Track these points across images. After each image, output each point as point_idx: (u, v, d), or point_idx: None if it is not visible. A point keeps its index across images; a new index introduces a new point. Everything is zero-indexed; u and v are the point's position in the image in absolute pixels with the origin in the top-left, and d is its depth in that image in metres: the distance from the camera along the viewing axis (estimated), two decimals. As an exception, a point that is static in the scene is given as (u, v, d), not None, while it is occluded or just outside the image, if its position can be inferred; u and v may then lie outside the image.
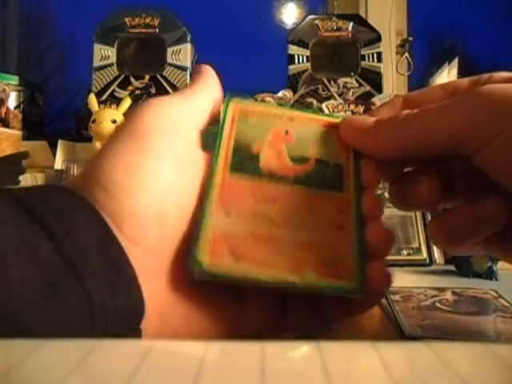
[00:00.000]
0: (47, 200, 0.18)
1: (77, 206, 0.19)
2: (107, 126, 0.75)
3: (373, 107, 0.87)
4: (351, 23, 0.97)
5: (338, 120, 0.27)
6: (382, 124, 0.24)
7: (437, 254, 0.54)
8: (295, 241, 0.23)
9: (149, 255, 0.20)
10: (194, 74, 0.27)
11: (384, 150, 0.24)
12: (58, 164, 0.78)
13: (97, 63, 0.93)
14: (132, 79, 0.92)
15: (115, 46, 0.94)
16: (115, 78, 0.93)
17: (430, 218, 0.27)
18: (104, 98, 0.90)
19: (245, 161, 0.24)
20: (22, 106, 0.97)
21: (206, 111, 0.25)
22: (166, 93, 0.92)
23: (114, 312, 0.17)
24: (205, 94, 0.26)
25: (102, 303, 0.17)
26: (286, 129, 0.26)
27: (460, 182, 0.26)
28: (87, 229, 0.18)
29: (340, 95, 0.93)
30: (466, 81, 0.26)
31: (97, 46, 0.93)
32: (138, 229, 0.20)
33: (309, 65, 0.96)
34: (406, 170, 0.27)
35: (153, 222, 0.20)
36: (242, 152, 0.25)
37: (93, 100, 0.78)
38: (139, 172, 0.20)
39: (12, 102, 0.94)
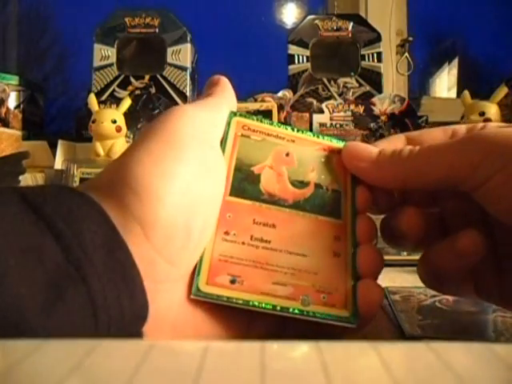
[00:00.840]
0: (55, 199, 0.18)
1: (85, 206, 0.18)
2: (107, 126, 0.75)
3: (373, 107, 0.87)
4: (351, 23, 0.97)
5: (338, 145, 0.27)
6: (385, 155, 0.25)
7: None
8: (292, 266, 0.23)
9: (171, 266, 0.20)
10: (212, 85, 0.27)
11: (385, 180, 0.25)
12: (58, 164, 0.78)
13: (97, 63, 0.93)
14: (132, 79, 0.93)
15: (115, 46, 0.94)
16: (115, 78, 0.93)
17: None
18: (104, 97, 0.90)
19: (246, 182, 0.25)
20: (22, 106, 0.97)
21: (224, 124, 0.26)
22: (166, 93, 0.92)
23: (117, 316, 0.17)
24: (225, 106, 0.26)
25: (107, 307, 0.17)
26: (287, 150, 0.26)
27: (448, 220, 0.27)
28: (95, 231, 0.18)
29: (340, 95, 0.93)
30: (463, 127, 0.27)
31: (97, 46, 0.93)
32: (164, 239, 0.19)
33: (309, 65, 0.96)
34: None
35: (179, 232, 0.20)
36: (243, 172, 0.25)
37: (93, 100, 0.78)
38: (174, 180, 0.20)
39: (12, 101, 0.94)
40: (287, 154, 0.26)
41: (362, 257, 0.24)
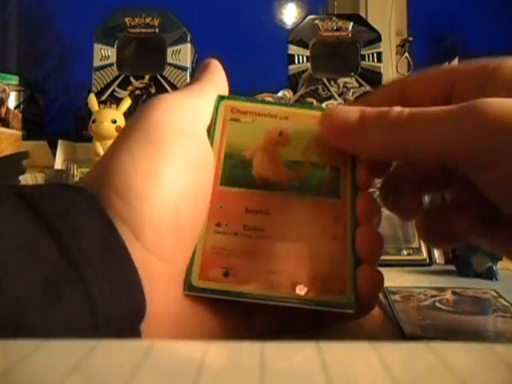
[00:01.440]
0: (52, 197, 0.18)
1: (82, 203, 0.18)
2: (107, 126, 0.75)
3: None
4: (351, 23, 0.97)
5: None
6: (367, 122, 0.22)
7: (437, 253, 0.54)
8: (288, 254, 0.22)
9: (165, 264, 0.20)
10: (202, 69, 0.26)
11: (365, 149, 0.23)
12: (58, 164, 0.78)
13: (97, 63, 0.93)
14: (132, 79, 0.92)
15: (115, 46, 0.94)
16: (115, 78, 0.93)
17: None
18: (104, 97, 0.90)
19: (237, 168, 0.23)
20: (21, 106, 0.97)
21: (212, 109, 0.24)
22: (166, 93, 0.92)
23: (116, 315, 0.17)
24: (212, 91, 0.25)
25: (104, 306, 0.17)
26: (280, 129, 0.24)
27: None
28: (92, 228, 0.18)
29: (340, 95, 0.93)
30: (471, 66, 0.23)
31: (97, 46, 0.93)
32: (155, 238, 0.19)
33: (309, 65, 0.96)
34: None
35: (169, 229, 0.20)
36: (234, 158, 0.24)
37: (93, 100, 0.78)
38: (157, 179, 0.20)
39: (12, 102, 0.94)
40: (280, 133, 0.24)
41: (362, 239, 0.22)
